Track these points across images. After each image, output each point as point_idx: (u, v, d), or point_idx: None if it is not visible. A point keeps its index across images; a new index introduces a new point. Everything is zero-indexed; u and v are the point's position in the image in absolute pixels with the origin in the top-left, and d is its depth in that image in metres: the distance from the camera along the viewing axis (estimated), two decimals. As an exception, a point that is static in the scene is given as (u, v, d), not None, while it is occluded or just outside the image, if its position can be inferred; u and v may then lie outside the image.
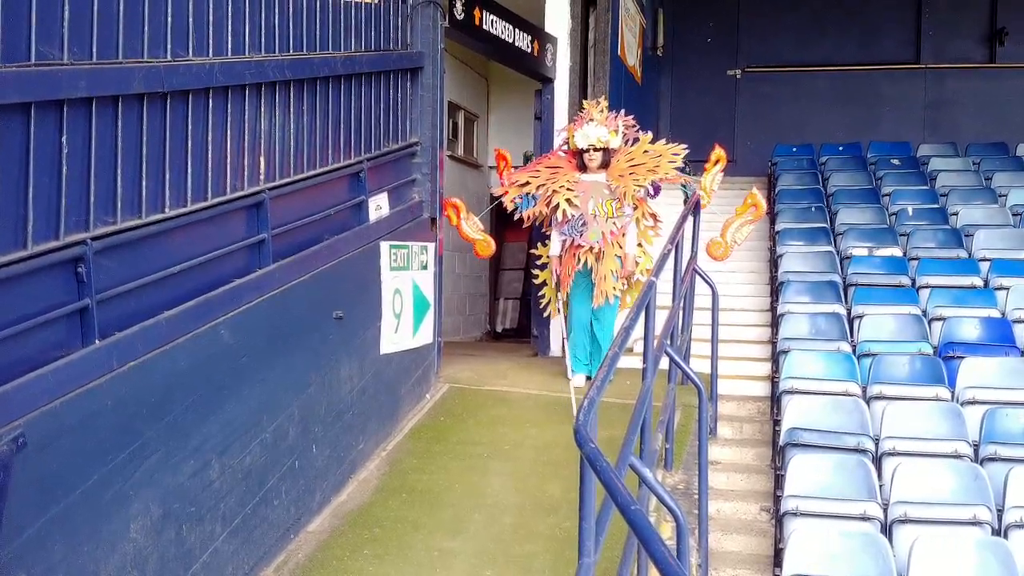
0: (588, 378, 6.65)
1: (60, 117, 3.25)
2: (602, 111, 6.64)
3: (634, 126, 6.84)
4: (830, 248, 8.69)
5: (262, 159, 4.58)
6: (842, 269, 8.24)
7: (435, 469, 5.36)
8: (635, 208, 6.66)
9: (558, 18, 8.79)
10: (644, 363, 4.33)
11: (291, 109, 4.86)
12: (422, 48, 6.52)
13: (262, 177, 4.58)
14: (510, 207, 6.75)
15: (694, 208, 6.60)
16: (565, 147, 6.98)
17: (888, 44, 13.42)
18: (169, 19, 3.86)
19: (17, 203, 3.07)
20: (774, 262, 8.82)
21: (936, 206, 9.61)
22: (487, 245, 6.88)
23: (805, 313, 7.32)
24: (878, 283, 7.82)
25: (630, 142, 6.80)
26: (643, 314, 4.10)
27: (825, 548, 4.38)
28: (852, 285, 7.82)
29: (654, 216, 6.91)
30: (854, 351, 6.72)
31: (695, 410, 6.15)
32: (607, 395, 4.64)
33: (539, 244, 7.21)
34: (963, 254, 8.35)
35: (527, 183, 6.69)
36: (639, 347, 6.27)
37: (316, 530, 4.76)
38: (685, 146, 6.68)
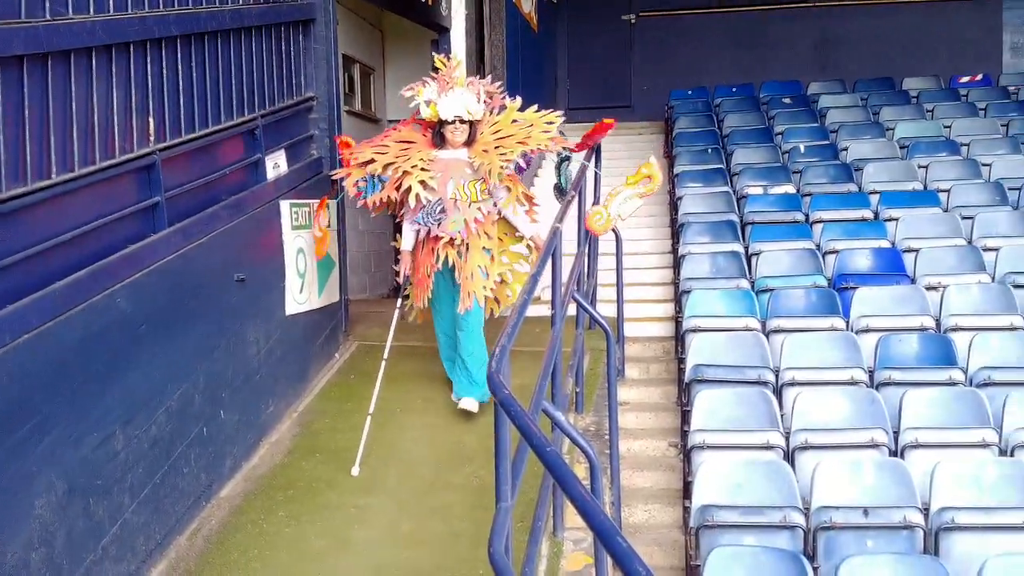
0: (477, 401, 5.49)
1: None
2: (459, 73, 5.44)
3: (501, 92, 5.70)
4: (727, 188, 8.86)
5: (151, 119, 4.44)
6: (739, 208, 8.42)
7: (347, 428, 5.34)
8: (508, 190, 5.48)
9: (451, -35, 8.69)
10: (552, 310, 4.39)
11: (179, 66, 4.70)
12: (312, -1, 6.37)
13: (152, 138, 4.44)
14: (352, 192, 5.45)
15: (595, 154, 6.58)
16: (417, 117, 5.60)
17: (777, -16, 13.65)
18: (44, -25, 3.69)
19: None
20: (674, 204, 8.96)
21: (827, 142, 9.86)
22: (320, 244, 5.73)
23: (705, 253, 7.47)
24: (773, 220, 8.01)
25: (496, 111, 5.59)
26: (549, 262, 4.13)
27: (732, 478, 4.53)
28: (749, 223, 8.00)
29: (530, 199, 5.67)
30: (753, 287, 6.90)
31: (603, 353, 6.26)
32: (517, 344, 4.70)
33: (396, 235, 5.98)
34: (853, 188, 8.61)
35: (371, 161, 5.35)
36: (546, 295, 6.33)
37: (229, 495, 4.71)
38: (560, 113, 5.54)
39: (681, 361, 6.29)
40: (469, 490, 4.72)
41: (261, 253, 5.44)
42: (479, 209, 5.34)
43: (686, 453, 5.11)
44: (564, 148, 5.77)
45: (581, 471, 4.61)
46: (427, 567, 4.17)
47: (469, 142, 5.36)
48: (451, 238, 5.31)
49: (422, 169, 5.26)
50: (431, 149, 5.39)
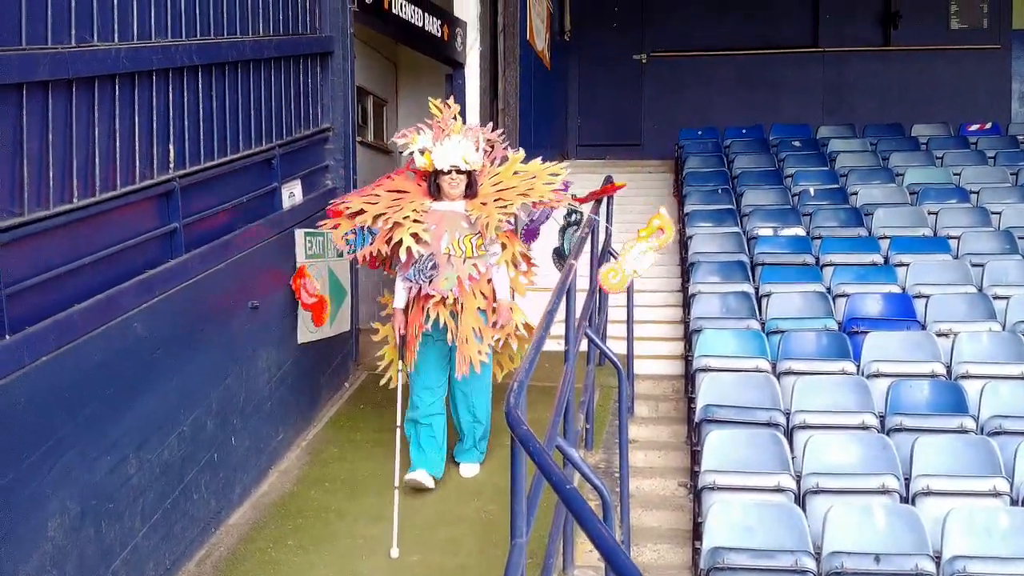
0: (436, 479, 5.09)
1: (-40, 105, 3.13)
2: (456, 119, 5.05)
3: (503, 142, 5.32)
4: (737, 229, 8.88)
5: (171, 147, 4.47)
6: (749, 249, 8.43)
7: (357, 458, 5.33)
8: (503, 247, 5.07)
9: (467, 2, 8.79)
10: (566, 345, 4.39)
11: (199, 95, 4.76)
12: (331, 32, 6.44)
13: (172, 165, 4.48)
14: (341, 246, 5.05)
15: (608, 187, 6.56)
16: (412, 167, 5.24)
17: (788, 29, 13.77)
18: (73, 3, 3.74)
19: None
20: (684, 243, 8.98)
21: (836, 186, 9.89)
22: (321, 309, 5.50)
23: (715, 293, 7.47)
24: (784, 262, 8.02)
25: (497, 161, 5.23)
26: (564, 297, 4.14)
27: (743, 520, 4.49)
28: (759, 264, 8.01)
29: (527, 259, 5.29)
30: (763, 328, 6.89)
31: (612, 390, 6.28)
32: (535, 378, 4.70)
33: (384, 291, 5.55)
34: (863, 232, 8.62)
35: (361, 212, 4.94)
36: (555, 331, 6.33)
37: (237, 523, 4.70)
38: (566, 165, 5.29)
39: (691, 400, 6.27)
40: (478, 524, 4.70)
41: (275, 281, 5.45)
42: (474, 266, 4.93)
43: (696, 493, 5.07)
44: (569, 204, 5.40)
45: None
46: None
47: (468, 194, 4.96)
48: (443, 297, 4.89)
49: (414, 221, 4.85)
50: (426, 199, 4.99)
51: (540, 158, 5.26)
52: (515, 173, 5.07)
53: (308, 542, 4.51)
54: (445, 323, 4.91)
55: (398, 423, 4.91)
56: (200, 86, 4.75)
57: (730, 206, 9.57)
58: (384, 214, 4.89)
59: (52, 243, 3.61)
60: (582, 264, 5.02)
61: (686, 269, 8.39)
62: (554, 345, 5.72)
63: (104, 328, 3.75)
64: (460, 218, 4.93)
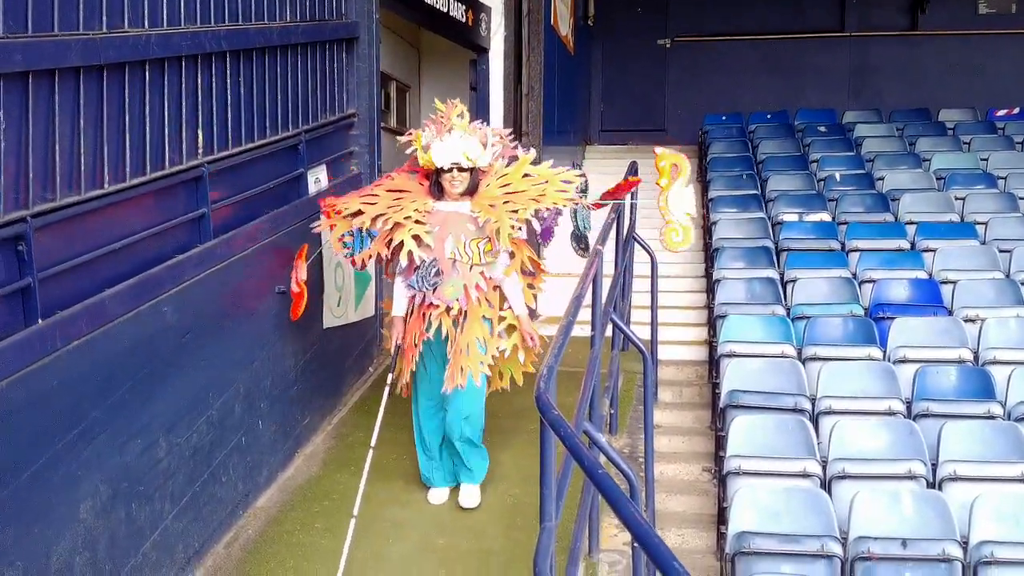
0: (454, 488, 4.86)
1: (-7, 91, 3.16)
2: (462, 116, 4.64)
3: (512, 142, 4.93)
4: (762, 214, 8.85)
5: (200, 132, 4.50)
6: (774, 235, 8.40)
7: (381, 442, 5.34)
8: (512, 255, 4.69)
9: (492, -12, 8.76)
10: (592, 331, 4.39)
11: (228, 81, 4.77)
12: (357, 18, 6.44)
13: (200, 151, 4.50)
14: (337, 249, 4.70)
15: (635, 171, 6.52)
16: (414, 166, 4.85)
17: (813, 13, 13.64)
18: (103, -11, 3.76)
19: (-48, 180, 2.98)
20: (708, 229, 8.96)
21: (863, 171, 9.83)
22: (297, 302, 4.81)
23: (740, 279, 7.46)
24: (809, 248, 8.00)
25: (505, 162, 4.81)
26: (591, 283, 4.14)
27: (769, 505, 4.50)
28: (784, 250, 7.98)
29: (536, 264, 4.90)
30: (788, 314, 6.87)
31: (635, 376, 6.28)
32: (574, 366, 4.70)
33: (386, 295, 5.15)
34: (890, 218, 8.57)
35: (359, 212, 4.60)
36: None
37: (265, 506, 4.74)
38: (580, 172, 4.87)
39: (715, 386, 6.27)
40: (503, 508, 4.72)
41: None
42: (481, 274, 4.56)
43: (721, 478, 5.08)
44: (585, 207, 5.01)
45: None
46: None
47: (471, 192, 4.61)
48: (447, 306, 4.55)
49: (416, 222, 4.49)
50: (428, 199, 4.63)
51: (552, 162, 4.86)
52: (525, 176, 4.66)
53: (336, 525, 4.54)
54: (447, 333, 4.57)
55: (372, 443, 4.45)
56: (228, 72, 4.76)
57: (755, 192, 9.54)
58: (384, 214, 4.54)
59: (84, 228, 3.64)
60: (608, 250, 5.02)
61: (710, 255, 8.37)
62: (577, 331, 5.75)
63: (135, 312, 3.78)
64: (466, 219, 4.56)
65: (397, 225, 4.49)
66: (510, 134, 5.01)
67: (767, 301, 7.11)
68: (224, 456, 4.45)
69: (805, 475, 4.81)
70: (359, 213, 4.60)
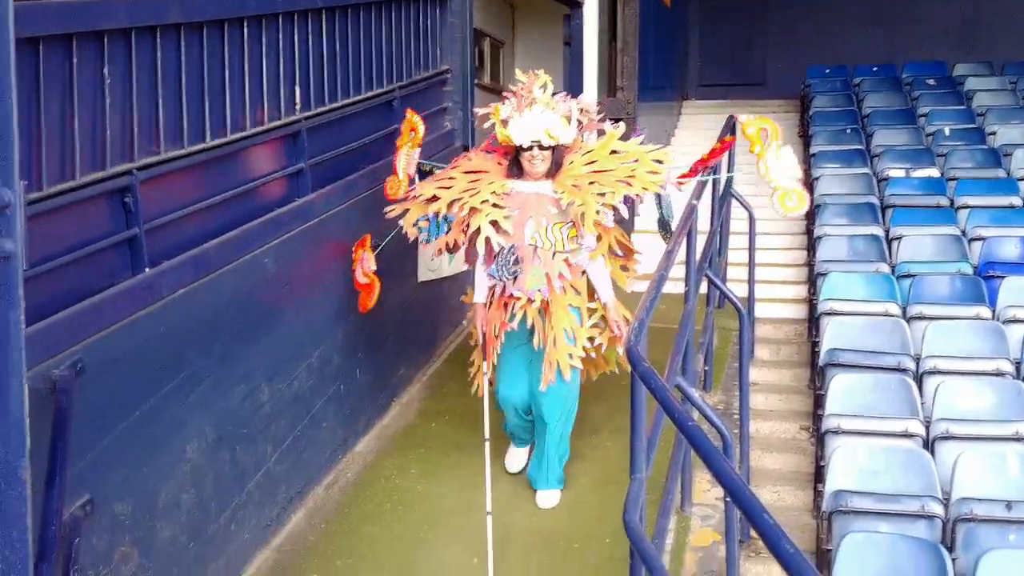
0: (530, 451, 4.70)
1: (100, 48, 3.25)
2: (545, 88, 4.23)
3: (599, 114, 4.50)
4: (867, 170, 8.59)
5: (298, 88, 4.56)
6: (879, 191, 8.15)
7: (474, 394, 5.41)
8: (598, 237, 4.28)
9: (587, -60, 8.63)
10: (686, 287, 4.34)
11: (324, 37, 4.82)
12: (451, -27, 6.43)
13: (298, 107, 4.57)
14: (413, 235, 4.36)
15: (731, 129, 6.37)
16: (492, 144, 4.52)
17: (923, -40, 13.09)
18: (203, -54, 3.83)
19: (63, 134, 3.08)
20: (810, 185, 8.73)
21: (973, 126, 9.45)
22: (369, 293, 4.53)
23: (843, 235, 7.26)
24: (916, 204, 7.74)
25: (592, 136, 4.54)
26: (684, 238, 4.08)
27: (868, 464, 4.40)
28: (890, 206, 7.74)
29: (628, 249, 4.51)
30: (893, 272, 6.67)
31: (731, 333, 6.20)
32: (652, 320, 4.67)
33: (467, 287, 4.70)
34: (1001, 174, 8.23)
35: (435, 198, 4.28)
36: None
37: (363, 451, 4.87)
38: (669, 150, 4.42)
39: (814, 344, 6.15)
40: (595, 461, 4.74)
41: (395, 221, 5.53)
42: (566, 261, 4.21)
43: (819, 436, 4.99)
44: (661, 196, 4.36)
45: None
46: (555, 534, 4.21)
47: (553, 172, 4.24)
48: (528, 298, 4.20)
49: (494, 205, 4.16)
50: (507, 180, 4.27)
51: (641, 138, 4.45)
52: (612, 152, 4.28)
53: (431, 471, 4.64)
54: (532, 323, 4.26)
55: (485, 436, 4.24)
56: (324, 28, 4.81)
57: (859, 146, 9.25)
58: (460, 199, 4.21)
59: (188, 181, 3.75)
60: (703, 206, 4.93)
61: (812, 211, 8.17)
62: (672, 288, 5.69)
63: (236, 263, 3.88)
64: (547, 201, 4.20)
65: (473, 210, 4.14)
66: (598, 105, 4.59)
67: (871, 258, 6.91)
68: (323, 403, 4.57)
69: (907, 435, 4.68)
70: (434, 199, 4.28)
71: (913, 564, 3.63)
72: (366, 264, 4.48)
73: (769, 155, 4.15)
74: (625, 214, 4.23)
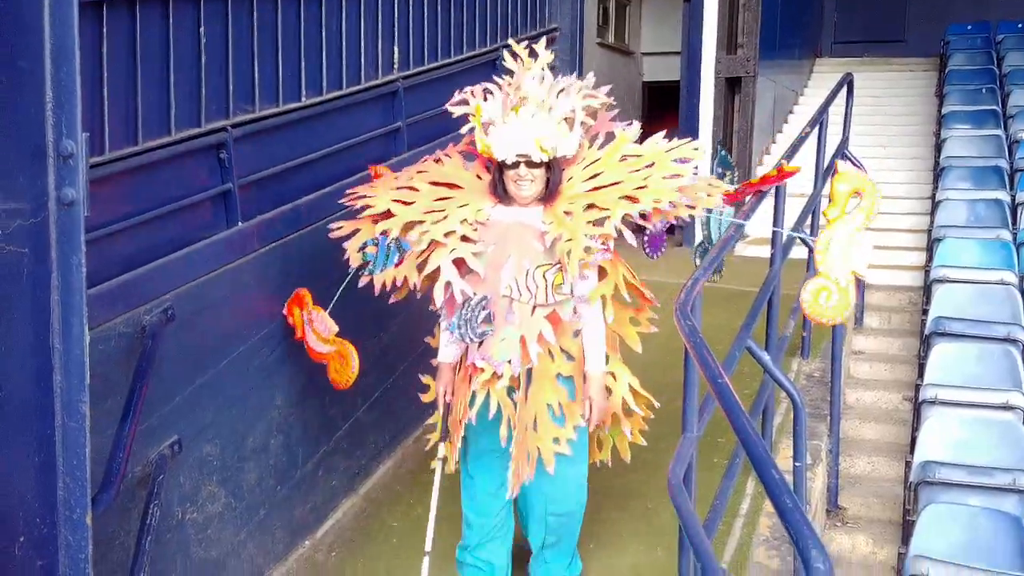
0: None
1: (197, 7, 3.38)
2: (541, 75, 3.15)
3: (610, 109, 3.25)
4: (998, 132, 8.17)
5: (396, 47, 4.67)
6: (1010, 154, 7.74)
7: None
8: (602, 272, 3.15)
9: None
10: (772, 249, 4.27)
11: (424, -5, 4.90)
12: (563, -71, 6.41)
13: (396, 66, 4.67)
14: (355, 262, 3.27)
15: (848, 87, 6.12)
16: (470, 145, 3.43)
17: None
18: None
19: (160, 91, 3.26)
20: (938, 147, 8.37)
21: None
22: (343, 363, 3.44)
23: (964, 200, 6.96)
24: (1050, 168, 7.34)
25: (598, 141, 3.26)
26: (771, 198, 4.01)
27: (960, 436, 4.28)
28: (1020, 171, 7.35)
29: (639, 291, 3.29)
30: (1014, 240, 6.36)
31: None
32: (741, 284, 4.61)
33: (436, 328, 3.56)
34: None
35: (388, 214, 3.22)
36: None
37: (452, 407, 4.98)
38: (697, 145, 3.17)
39: (925, 312, 5.95)
40: (659, 418, 4.73)
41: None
42: (551, 316, 3.09)
43: (916, 407, 4.86)
44: (716, 207, 3.19)
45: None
46: (628, 490, 4.25)
47: (548, 195, 3.11)
48: (494, 371, 3.09)
49: (463, 238, 3.09)
50: (486, 200, 3.18)
51: (663, 134, 3.23)
52: (623, 160, 3.15)
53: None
54: (499, 405, 3.14)
55: (427, 548, 3.29)
56: (425, -14, 4.89)
57: (994, 107, 8.79)
58: (420, 222, 3.14)
59: (281, 138, 3.90)
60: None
61: (937, 174, 7.85)
62: (762, 251, 5.55)
63: (327, 220, 4.02)
64: (533, 236, 3.08)
65: (435, 244, 3.08)
66: (607, 93, 3.24)
67: (992, 225, 6.61)
68: (409, 363, 4.69)
69: (1007, 407, 4.51)
70: (387, 215, 3.22)
71: (993, 536, 3.53)
72: (320, 326, 3.43)
73: (841, 228, 3.10)
74: (632, 239, 3.06)
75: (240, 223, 3.58)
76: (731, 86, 8.79)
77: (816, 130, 5.24)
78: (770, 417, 4.30)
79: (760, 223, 4.19)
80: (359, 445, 4.31)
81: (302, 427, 3.90)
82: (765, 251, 4.63)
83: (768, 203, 3.93)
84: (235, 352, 3.49)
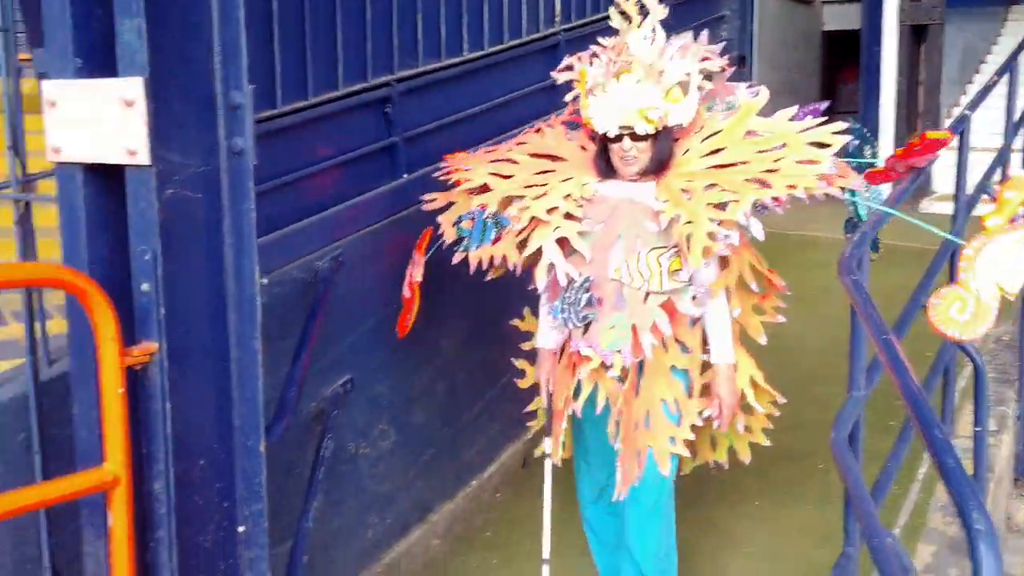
0: None
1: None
2: (652, 35, 2.78)
3: (730, 65, 3.02)
4: None
5: (557, 1, 4.64)
6: None
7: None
8: (723, 262, 2.85)
9: None
10: (955, 206, 4.04)
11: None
12: None
13: (557, 19, 4.66)
14: (449, 236, 3.06)
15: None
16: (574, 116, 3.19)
17: None
18: None
19: (328, 48, 3.37)
20: None
21: None
22: (404, 312, 3.31)
23: None
24: None
25: (721, 108, 2.93)
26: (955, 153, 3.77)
27: None
28: None
29: (767, 278, 3.00)
30: None
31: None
32: (920, 241, 4.38)
33: (525, 311, 3.40)
34: None
35: (484, 188, 3.01)
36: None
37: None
38: (840, 126, 2.75)
39: None
40: (837, 379, 4.58)
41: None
42: (665, 306, 2.81)
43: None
44: (857, 191, 2.91)
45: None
46: (800, 449, 4.17)
47: (657, 168, 2.82)
48: (604, 362, 2.83)
49: (567, 216, 2.83)
50: (591, 176, 2.91)
51: (795, 109, 2.85)
52: (747, 134, 2.80)
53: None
54: (609, 398, 2.89)
55: (544, 555, 3.11)
56: (588, -63, 4.85)
57: None
58: (520, 196, 2.90)
59: (444, 93, 3.97)
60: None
61: None
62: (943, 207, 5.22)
63: (490, 171, 4.07)
64: (645, 215, 2.79)
65: (536, 220, 2.82)
66: (728, 55, 3.04)
67: None
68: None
69: None
70: (484, 189, 3.01)
71: None
72: (414, 272, 3.30)
73: (1002, 240, 2.44)
74: (753, 229, 2.69)
75: (405, 175, 3.67)
76: (916, 34, 8.31)
77: (1007, 78, 4.88)
78: (951, 380, 4.10)
79: (944, 179, 3.96)
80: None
81: (467, 372, 4.00)
82: (948, 207, 4.38)
83: (949, 157, 3.70)
84: (400, 298, 3.58)
